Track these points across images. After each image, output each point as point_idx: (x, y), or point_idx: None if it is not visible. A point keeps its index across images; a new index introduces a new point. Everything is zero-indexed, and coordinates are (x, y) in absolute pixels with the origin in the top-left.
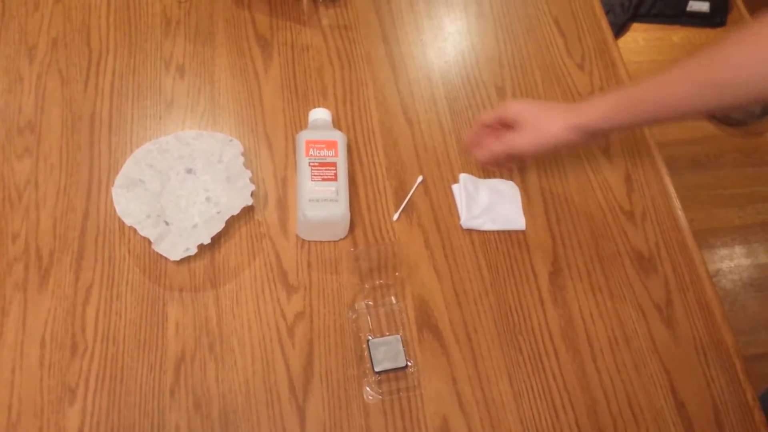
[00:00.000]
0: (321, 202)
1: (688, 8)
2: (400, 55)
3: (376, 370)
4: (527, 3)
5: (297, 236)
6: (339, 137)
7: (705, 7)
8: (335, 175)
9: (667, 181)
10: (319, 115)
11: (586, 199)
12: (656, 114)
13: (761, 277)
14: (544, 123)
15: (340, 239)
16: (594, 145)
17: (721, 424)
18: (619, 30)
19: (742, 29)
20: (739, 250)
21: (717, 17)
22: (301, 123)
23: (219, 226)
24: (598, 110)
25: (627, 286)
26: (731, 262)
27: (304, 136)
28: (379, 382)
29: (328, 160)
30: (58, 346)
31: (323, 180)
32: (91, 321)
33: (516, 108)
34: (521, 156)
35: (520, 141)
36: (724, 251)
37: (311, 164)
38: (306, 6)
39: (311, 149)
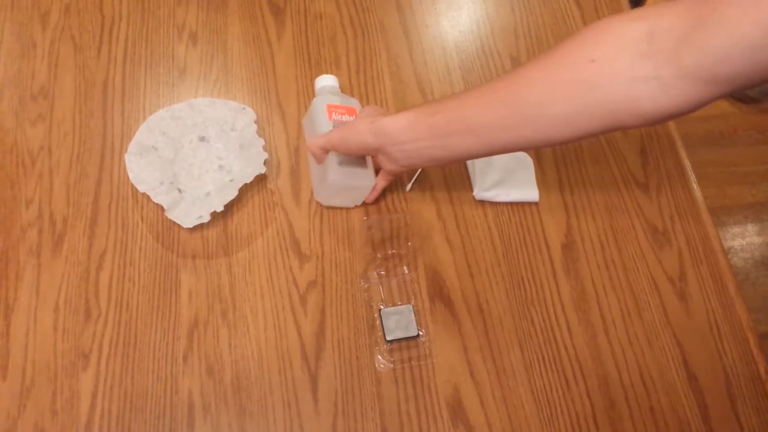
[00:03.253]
0: (351, 168)
1: None
2: (414, 24)
3: (388, 338)
4: None
5: (310, 205)
6: (356, 104)
7: None
8: None
9: (683, 153)
10: (328, 81)
11: (601, 171)
12: (456, 136)
13: None
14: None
15: (356, 206)
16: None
17: (732, 397)
18: (635, 5)
19: (557, 47)
20: (751, 228)
21: None
22: (313, 92)
23: (232, 194)
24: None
25: (640, 258)
26: (743, 240)
27: (323, 101)
28: (391, 351)
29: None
30: (72, 311)
31: None
32: (105, 287)
33: None
34: None
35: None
36: (736, 229)
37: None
38: None
39: (334, 114)
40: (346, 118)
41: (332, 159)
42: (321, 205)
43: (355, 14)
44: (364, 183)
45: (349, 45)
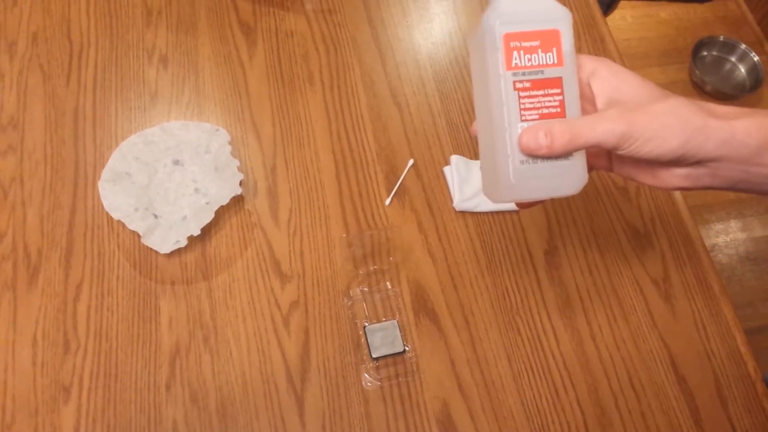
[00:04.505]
0: (541, 164)
1: None
2: (387, 38)
3: (374, 356)
4: None
5: (288, 224)
6: (561, 19)
7: None
8: (562, 104)
9: None
10: None
11: None
12: None
13: (757, 251)
14: None
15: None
16: None
17: (723, 398)
18: (606, 8)
19: None
20: (734, 224)
21: None
22: (288, 110)
23: (208, 217)
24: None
25: (624, 262)
26: (727, 236)
27: (497, 27)
28: (377, 368)
29: (548, 73)
30: (50, 344)
31: (543, 118)
32: (83, 318)
33: None
34: None
35: None
36: (719, 226)
37: (520, 86)
38: None
39: (518, 54)
40: (539, 58)
41: (506, 147)
42: (300, 224)
43: (326, 30)
44: (570, 184)
45: (321, 61)
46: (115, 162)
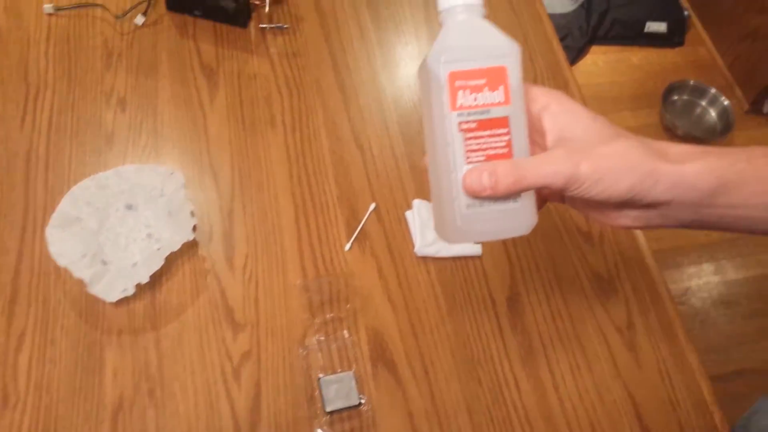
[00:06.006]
0: (488, 207)
1: (646, 29)
2: (351, 82)
3: (328, 410)
4: None
5: (244, 270)
6: (508, 55)
7: (662, 27)
8: (509, 144)
9: None
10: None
11: (543, 222)
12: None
13: (730, 294)
14: None
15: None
16: None
17: None
18: (578, 53)
19: None
20: (707, 267)
21: (675, 37)
22: (248, 153)
23: (158, 264)
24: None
25: (587, 309)
26: (700, 279)
27: (442, 65)
28: (331, 423)
29: (495, 113)
30: None
31: (489, 159)
32: (24, 369)
33: None
34: None
35: None
36: (692, 269)
37: (465, 127)
38: (253, 35)
39: (464, 93)
40: (486, 97)
41: (452, 192)
42: (256, 270)
43: (290, 74)
44: (519, 225)
45: (284, 104)
46: (65, 206)
